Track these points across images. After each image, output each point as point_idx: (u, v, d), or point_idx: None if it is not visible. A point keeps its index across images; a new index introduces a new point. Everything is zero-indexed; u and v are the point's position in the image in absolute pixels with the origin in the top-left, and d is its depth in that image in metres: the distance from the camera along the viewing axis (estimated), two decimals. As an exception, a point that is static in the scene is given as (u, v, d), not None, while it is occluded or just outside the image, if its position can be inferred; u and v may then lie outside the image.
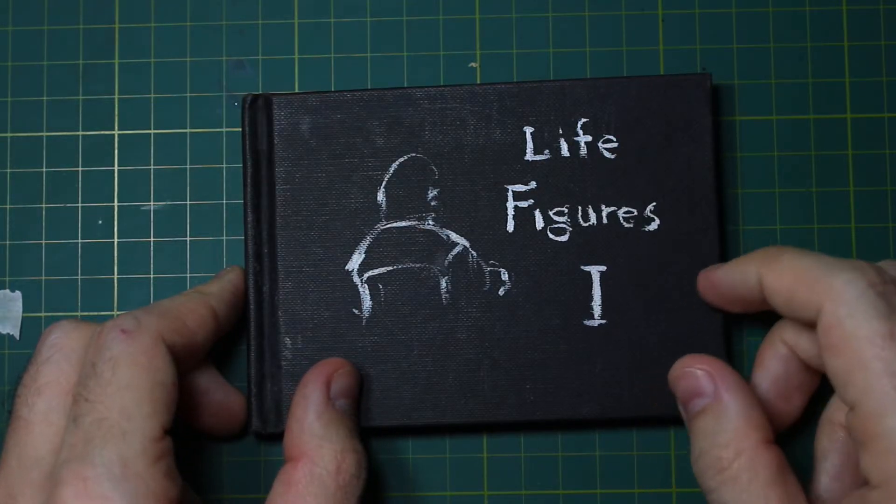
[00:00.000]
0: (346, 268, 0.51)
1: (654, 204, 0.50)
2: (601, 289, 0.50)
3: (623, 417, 0.50)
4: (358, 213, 0.51)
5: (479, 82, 0.53)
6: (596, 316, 0.50)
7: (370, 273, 0.51)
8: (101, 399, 0.42)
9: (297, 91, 0.53)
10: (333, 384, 0.48)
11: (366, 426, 0.50)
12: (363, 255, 0.51)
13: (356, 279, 0.51)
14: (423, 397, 0.50)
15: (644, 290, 0.50)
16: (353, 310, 0.50)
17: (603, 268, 0.50)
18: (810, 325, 0.44)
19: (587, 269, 0.50)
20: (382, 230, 0.51)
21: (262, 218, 0.51)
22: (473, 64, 0.53)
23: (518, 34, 0.54)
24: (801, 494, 0.43)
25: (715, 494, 0.44)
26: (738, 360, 0.51)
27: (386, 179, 0.51)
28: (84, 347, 0.45)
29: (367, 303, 0.51)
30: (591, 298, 0.50)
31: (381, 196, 0.51)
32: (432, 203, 0.51)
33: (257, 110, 0.51)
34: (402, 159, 0.51)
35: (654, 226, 0.50)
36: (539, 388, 0.50)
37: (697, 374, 0.46)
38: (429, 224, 0.51)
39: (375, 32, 0.54)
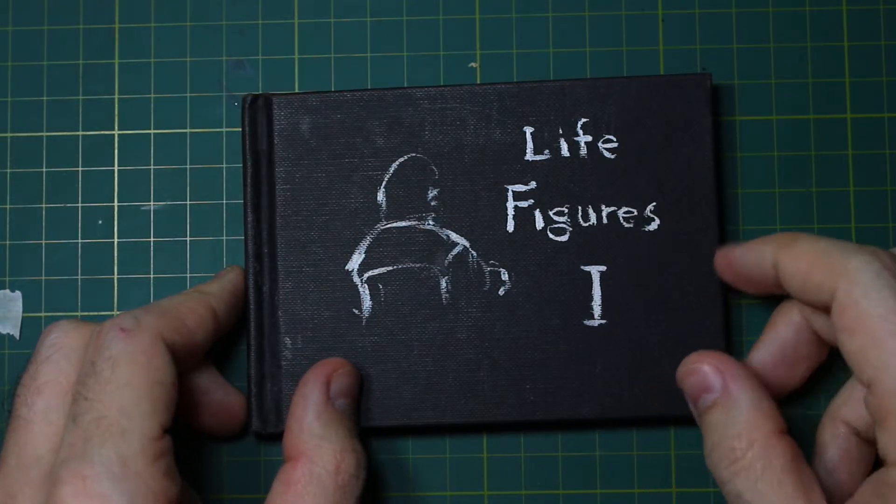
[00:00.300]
0: (346, 268, 0.51)
1: (654, 204, 0.50)
2: (601, 289, 0.50)
3: (623, 417, 0.50)
4: (358, 213, 0.51)
5: (479, 82, 0.53)
6: (596, 316, 0.50)
7: (370, 273, 0.51)
8: (100, 398, 0.42)
9: (297, 91, 0.53)
10: (333, 384, 0.48)
11: (366, 426, 0.50)
12: (363, 255, 0.51)
13: (356, 279, 0.51)
14: (423, 397, 0.50)
15: (644, 290, 0.50)
16: (353, 310, 0.50)
17: (603, 268, 0.50)
18: (824, 309, 0.44)
19: (587, 269, 0.50)
20: (382, 230, 0.51)
21: (262, 218, 0.51)
22: (473, 64, 0.53)
23: (518, 34, 0.54)
24: (815, 483, 0.43)
25: (730, 485, 0.44)
26: (739, 360, 0.51)
27: (386, 179, 0.51)
28: (83, 347, 0.45)
29: (367, 303, 0.51)
30: (591, 298, 0.50)
31: (381, 196, 0.51)
32: (432, 203, 0.51)
33: (257, 110, 0.51)
34: (402, 159, 0.51)
35: (654, 226, 0.50)
36: (539, 388, 0.50)
37: (704, 369, 0.46)
38: (429, 224, 0.51)
39: (375, 32, 0.54)
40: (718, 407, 0.45)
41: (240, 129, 0.53)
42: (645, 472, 0.51)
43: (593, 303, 0.50)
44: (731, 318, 0.51)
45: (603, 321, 0.50)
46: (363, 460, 0.46)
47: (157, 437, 0.43)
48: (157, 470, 0.42)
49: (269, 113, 0.51)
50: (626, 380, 0.50)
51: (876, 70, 0.53)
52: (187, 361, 0.47)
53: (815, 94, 0.53)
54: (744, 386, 0.45)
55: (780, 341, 0.48)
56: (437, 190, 0.51)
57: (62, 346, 0.45)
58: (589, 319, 0.50)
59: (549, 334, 0.50)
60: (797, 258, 0.45)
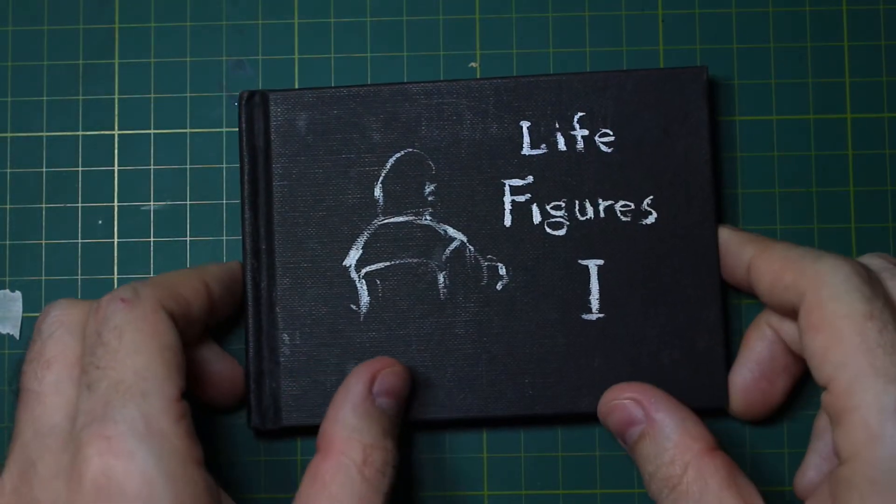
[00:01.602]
0: (344, 263, 0.51)
1: (652, 197, 0.50)
2: (599, 283, 0.50)
3: (622, 412, 0.50)
4: (355, 209, 0.51)
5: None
6: (594, 310, 0.50)
7: (368, 269, 0.51)
8: (113, 365, 0.43)
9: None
10: (378, 381, 0.47)
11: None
12: (361, 251, 0.51)
13: (354, 275, 0.51)
14: (421, 392, 0.50)
15: (642, 283, 0.50)
16: (351, 305, 0.50)
17: (600, 262, 0.50)
18: (791, 313, 0.45)
19: (585, 262, 0.50)
20: (380, 226, 0.51)
21: (259, 214, 0.51)
22: (473, 64, 0.54)
23: (518, 34, 0.54)
24: (755, 492, 0.44)
25: None
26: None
27: (383, 175, 0.51)
28: (84, 322, 0.45)
29: (364, 298, 0.51)
30: (588, 292, 0.50)
31: (378, 191, 0.51)
32: (429, 198, 0.51)
33: (254, 107, 0.51)
34: (398, 154, 0.51)
35: (651, 219, 0.50)
36: (538, 383, 0.50)
37: (625, 403, 0.47)
38: (426, 219, 0.51)
39: (375, 32, 0.54)
40: (646, 438, 0.45)
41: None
42: (645, 470, 0.51)
43: (591, 297, 0.50)
44: (730, 311, 0.51)
45: (601, 315, 0.50)
46: (392, 459, 0.46)
47: (177, 399, 0.43)
48: (181, 429, 0.42)
49: (265, 109, 0.51)
50: (624, 373, 0.50)
51: (876, 70, 0.53)
52: (187, 332, 0.47)
53: (815, 94, 0.53)
54: (666, 411, 0.46)
55: (755, 357, 0.49)
56: (434, 185, 0.51)
57: (64, 321, 0.45)
58: (587, 313, 0.50)
59: (548, 328, 0.50)
60: (771, 260, 0.46)
